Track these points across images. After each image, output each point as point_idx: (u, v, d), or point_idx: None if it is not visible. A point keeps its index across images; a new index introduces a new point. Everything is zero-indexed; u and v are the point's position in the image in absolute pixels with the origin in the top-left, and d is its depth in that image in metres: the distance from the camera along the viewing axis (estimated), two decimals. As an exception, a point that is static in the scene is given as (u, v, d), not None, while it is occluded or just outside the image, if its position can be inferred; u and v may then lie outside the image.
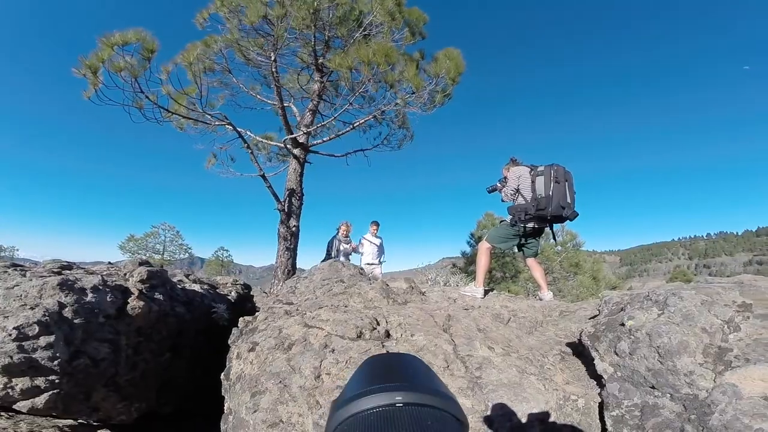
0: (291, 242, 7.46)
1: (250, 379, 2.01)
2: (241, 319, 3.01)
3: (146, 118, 6.38)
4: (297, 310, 2.62)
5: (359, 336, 2.08)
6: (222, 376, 2.40)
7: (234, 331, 2.88)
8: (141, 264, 3.38)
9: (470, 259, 12.20)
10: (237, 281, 5.48)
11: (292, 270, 7.41)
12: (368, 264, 7.30)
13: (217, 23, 7.10)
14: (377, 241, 7.54)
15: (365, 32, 7.25)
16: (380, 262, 7.52)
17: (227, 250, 24.91)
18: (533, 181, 3.70)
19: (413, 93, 6.48)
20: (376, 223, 7.80)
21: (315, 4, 6.32)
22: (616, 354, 1.76)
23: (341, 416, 0.35)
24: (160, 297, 3.16)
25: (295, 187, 7.67)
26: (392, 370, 0.41)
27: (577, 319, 3.10)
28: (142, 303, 2.90)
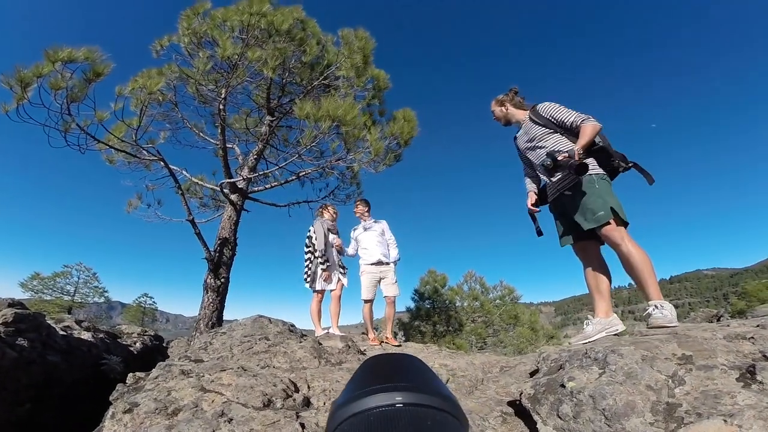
0: (218, 294, 6.68)
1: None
2: (130, 374, 2.48)
3: (68, 143, 5.65)
4: (197, 370, 2.19)
5: (267, 405, 1.71)
6: (90, 435, 1.88)
7: (118, 387, 2.35)
8: (11, 305, 2.74)
9: (414, 315, 11.97)
10: (146, 331, 4.71)
11: (217, 323, 6.58)
12: (372, 265, 4.68)
13: (174, 52, 6.67)
14: (378, 227, 4.86)
15: (326, 81, 7.32)
16: (392, 262, 4.77)
17: (151, 297, 22.86)
18: None
19: (369, 152, 6.25)
20: (365, 202, 5.09)
21: (284, 48, 6.22)
22: (560, 417, 1.57)
23: (341, 416, 0.34)
24: (25, 343, 2.54)
25: (228, 236, 6.96)
26: (392, 370, 0.41)
27: (518, 374, 2.95)
28: (-8, 350, 2.29)
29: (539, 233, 2.83)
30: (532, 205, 2.79)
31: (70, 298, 17.46)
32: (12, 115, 5.00)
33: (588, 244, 2.59)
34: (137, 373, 2.51)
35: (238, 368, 2.07)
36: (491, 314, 10.97)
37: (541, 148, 2.63)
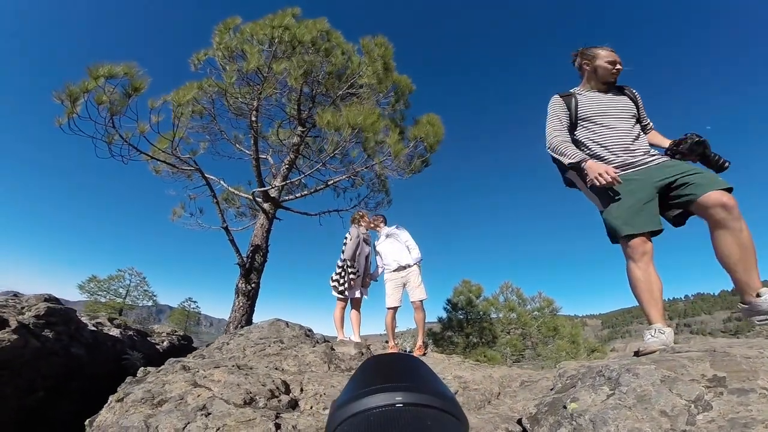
0: (249, 298, 6.91)
1: (102, 431, 1.64)
2: (141, 368, 2.60)
3: (112, 154, 6.08)
4: (196, 366, 2.23)
5: (248, 403, 1.70)
6: (87, 421, 1.98)
7: (127, 379, 2.48)
8: (46, 300, 2.95)
9: (447, 325, 11.66)
10: (175, 331, 4.94)
11: (246, 326, 6.82)
12: (394, 271, 4.60)
13: (210, 66, 7.05)
14: (394, 233, 4.83)
15: (351, 90, 7.42)
16: (414, 264, 4.64)
17: (195, 302, 24.09)
18: None
19: (392, 157, 6.27)
20: (378, 216, 5.14)
21: (310, 60, 6.40)
22: (556, 441, 1.40)
23: (341, 416, 0.34)
24: (50, 335, 2.71)
25: (260, 243, 7.22)
26: (392, 369, 0.41)
27: (538, 390, 2.72)
28: (15, 337, 2.46)
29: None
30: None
31: (121, 300, 18.79)
32: (65, 128, 5.49)
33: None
34: (148, 368, 2.60)
35: (232, 366, 2.07)
36: (528, 326, 10.49)
37: (629, 123, 2.43)
